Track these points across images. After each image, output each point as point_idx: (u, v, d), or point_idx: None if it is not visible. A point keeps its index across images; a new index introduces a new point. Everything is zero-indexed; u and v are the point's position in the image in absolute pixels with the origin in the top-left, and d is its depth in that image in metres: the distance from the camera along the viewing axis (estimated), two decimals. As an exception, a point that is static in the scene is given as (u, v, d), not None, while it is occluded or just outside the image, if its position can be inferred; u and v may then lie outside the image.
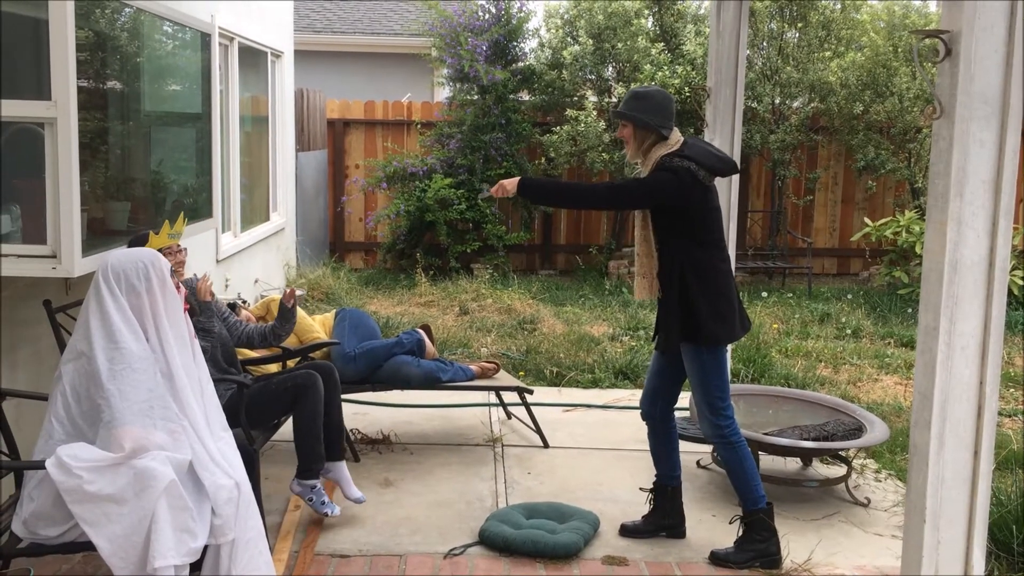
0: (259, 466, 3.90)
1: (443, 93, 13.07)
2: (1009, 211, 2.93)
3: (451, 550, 4.07)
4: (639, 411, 4.33)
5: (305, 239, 10.81)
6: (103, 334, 3.07)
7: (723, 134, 5.60)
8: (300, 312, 5.11)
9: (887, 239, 10.44)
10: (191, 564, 2.96)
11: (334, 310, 5.70)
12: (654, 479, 4.33)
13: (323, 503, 4.21)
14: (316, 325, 5.40)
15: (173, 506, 2.91)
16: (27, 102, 3.75)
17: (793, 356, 7.73)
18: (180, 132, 5.63)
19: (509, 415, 5.92)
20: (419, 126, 11.85)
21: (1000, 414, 6.12)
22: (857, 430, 4.81)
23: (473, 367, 5.42)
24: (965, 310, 2.96)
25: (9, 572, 3.19)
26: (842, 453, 4.94)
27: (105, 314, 3.09)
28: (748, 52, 10.96)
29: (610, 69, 11.47)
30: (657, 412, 4.25)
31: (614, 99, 11.23)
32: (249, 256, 8.34)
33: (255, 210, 8.88)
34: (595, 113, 10.89)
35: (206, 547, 3.01)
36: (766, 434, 4.73)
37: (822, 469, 5.11)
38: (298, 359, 4.99)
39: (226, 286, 7.37)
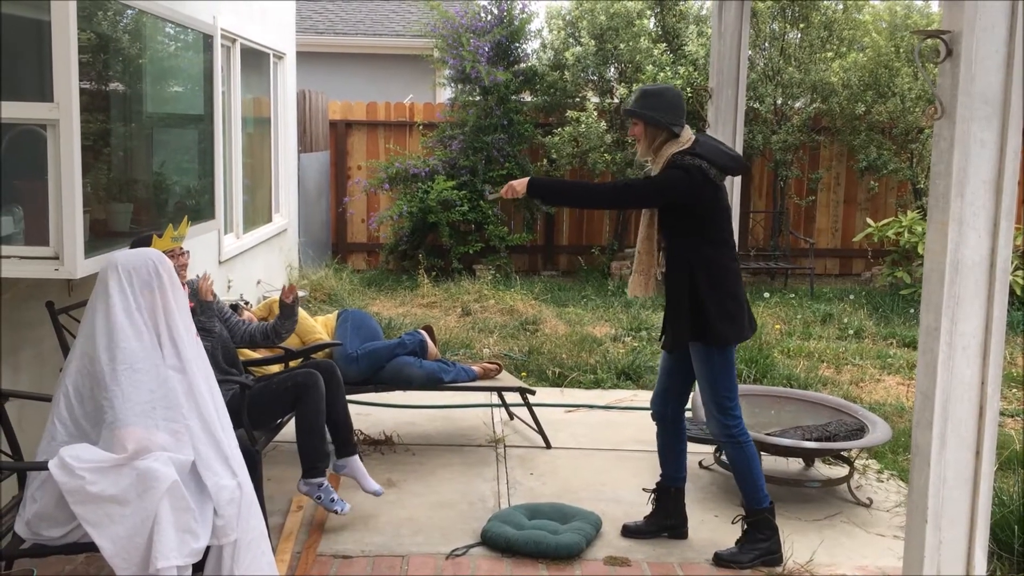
0: (261, 467, 3.90)
1: (445, 94, 13.08)
2: (1010, 211, 2.93)
3: (453, 551, 4.08)
4: (650, 411, 4.33)
5: (307, 240, 10.82)
6: (106, 334, 3.08)
7: (725, 135, 5.60)
8: (302, 313, 5.11)
9: (889, 239, 10.44)
10: (193, 565, 2.97)
11: (336, 311, 5.71)
12: (658, 479, 4.33)
13: (332, 500, 4.20)
14: (318, 326, 5.41)
15: (175, 507, 2.91)
16: (29, 104, 3.76)
17: (795, 356, 7.73)
18: (182, 133, 5.64)
19: (511, 416, 5.92)
20: (421, 127, 11.86)
21: (1002, 414, 6.12)
22: (859, 430, 4.81)
23: (475, 368, 5.42)
24: (966, 310, 2.96)
25: (12, 573, 3.20)
26: (844, 453, 4.94)
27: (110, 314, 3.10)
28: (750, 53, 10.96)
29: (612, 70, 11.48)
30: (669, 412, 4.25)
31: (616, 100, 11.24)
32: (251, 257, 8.34)
33: (257, 211, 8.89)
34: (595, 114, 10.89)
35: (208, 548, 3.02)
36: (768, 434, 4.73)
37: (824, 469, 5.10)
38: (300, 360, 4.99)
39: (228, 287, 7.38)
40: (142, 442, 2.96)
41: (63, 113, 3.71)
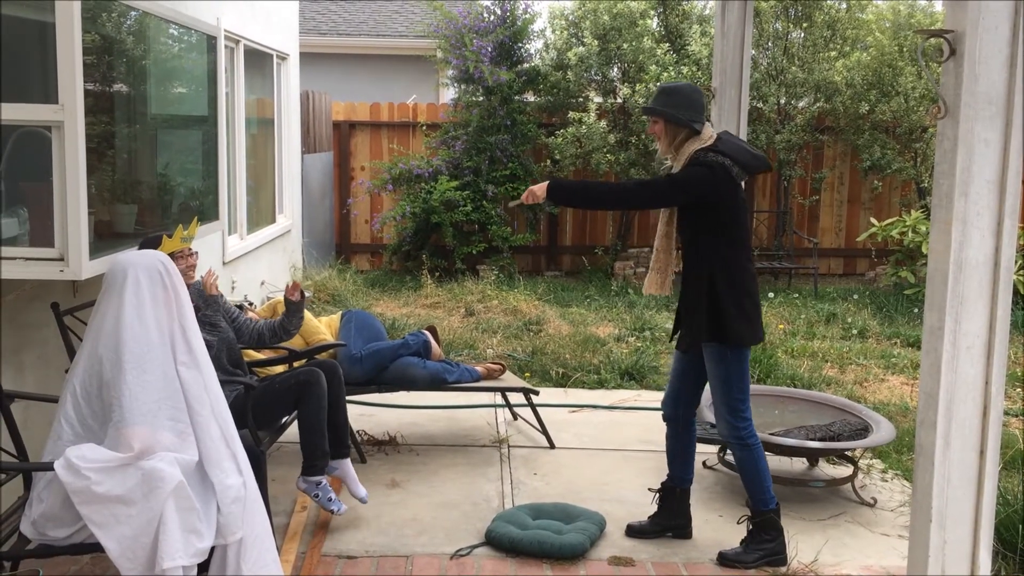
0: (266, 467, 3.91)
1: (448, 94, 13.09)
2: (1014, 211, 2.93)
3: (458, 551, 4.08)
4: (661, 412, 4.32)
5: (311, 241, 10.83)
6: (115, 334, 3.09)
7: (728, 134, 5.61)
8: (306, 314, 5.12)
9: (893, 239, 10.43)
10: (199, 564, 2.98)
11: (340, 312, 5.71)
12: (664, 480, 4.33)
13: (329, 499, 4.21)
14: (322, 327, 5.42)
15: (181, 507, 2.92)
16: (34, 106, 3.77)
17: (799, 356, 7.72)
18: (186, 135, 5.65)
19: (515, 416, 5.93)
20: (424, 128, 11.86)
21: (1006, 414, 6.11)
22: (863, 430, 4.81)
23: (479, 368, 5.43)
24: (970, 310, 2.96)
25: (18, 573, 3.21)
26: (848, 453, 4.94)
27: (119, 314, 3.11)
28: (753, 52, 10.96)
29: (615, 70, 11.48)
30: (680, 414, 4.23)
31: (619, 100, 11.24)
32: (255, 258, 8.35)
33: (261, 212, 8.90)
34: (595, 115, 10.88)
35: (213, 548, 3.03)
36: (772, 434, 4.73)
37: (828, 469, 5.10)
38: (304, 361, 5.00)
39: (232, 288, 7.39)
40: (147, 442, 2.97)
41: (68, 115, 3.72)
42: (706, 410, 4.94)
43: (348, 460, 4.42)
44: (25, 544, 3.14)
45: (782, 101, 11.35)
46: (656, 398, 6.45)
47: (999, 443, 3.06)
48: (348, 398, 4.58)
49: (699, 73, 10.60)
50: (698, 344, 3.99)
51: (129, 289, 3.14)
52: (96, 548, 2.99)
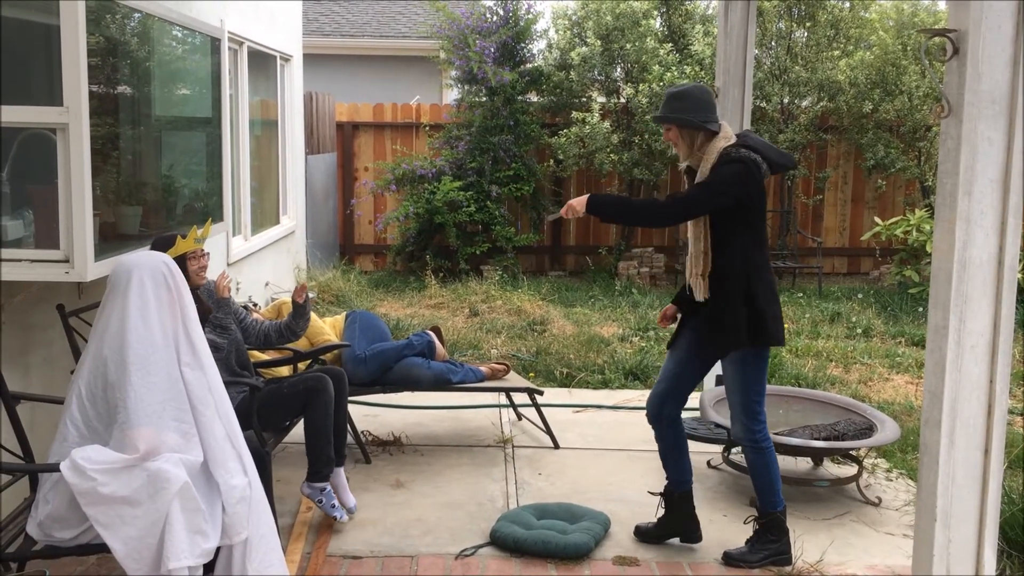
0: (271, 467, 3.92)
1: (452, 95, 13.09)
2: (1018, 209, 2.93)
3: (462, 551, 4.09)
4: (645, 413, 4.22)
5: (315, 242, 10.84)
6: (120, 336, 3.10)
7: (731, 134, 5.60)
8: (311, 314, 5.13)
9: (897, 238, 10.42)
10: (204, 565, 2.99)
11: (344, 312, 5.72)
12: (665, 484, 4.29)
13: (333, 506, 4.23)
14: (326, 327, 5.42)
15: (186, 508, 2.93)
16: (39, 108, 3.78)
17: (804, 356, 7.72)
18: (190, 136, 5.66)
19: (519, 416, 5.93)
20: (428, 128, 11.87)
21: (1010, 412, 6.10)
22: (868, 429, 4.80)
23: (483, 368, 5.43)
24: (974, 309, 2.96)
25: (25, 574, 3.22)
26: (853, 452, 4.94)
27: (124, 316, 3.12)
28: (756, 52, 10.96)
29: (618, 70, 11.48)
30: (665, 414, 4.12)
31: (623, 100, 11.24)
32: (259, 259, 8.37)
33: (265, 213, 8.91)
34: (599, 115, 10.88)
35: (219, 548, 3.04)
36: (777, 434, 4.72)
37: (833, 469, 5.10)
38: (309, 361, 5.01)
39: (237, 289, 7.40)
40: (153, 443, 2.98)
41: (73, 117, 3.73)
42: (710, 410, 4.95)
43: (341, 469, 4.43)
44: (31, 545, 3.15)
45: (786, 100, 11.34)
46: (660, 398, 6.46)
47: (1003, 442, 3.06)
48: (352, 398, 4.59)
49: (702, 73, 10.59)
50: (739, 347, 3.87)
51: (133, 291, 3.15)
52: (102, 549, 3.00)
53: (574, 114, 11.00)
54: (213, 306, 4.19)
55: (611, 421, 6.00)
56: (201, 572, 2.98)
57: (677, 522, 4.18)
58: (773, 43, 11.45)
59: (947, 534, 3.05)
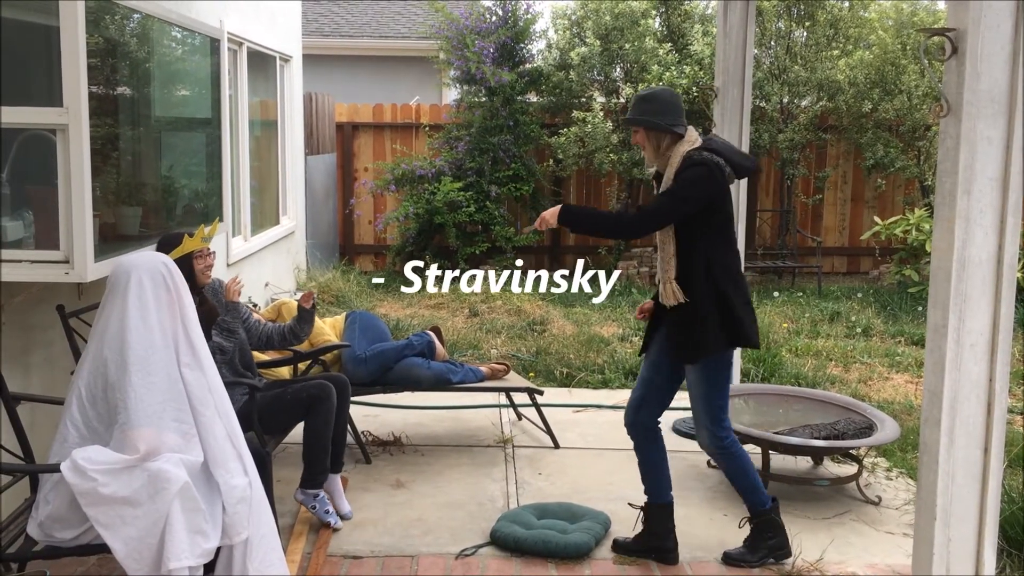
0: (271, 468, 3.92)
1: (451, 95, 13.10)
2: (1017, 208, 2.93)
3: (463, 551, 4.09)
4: (624, 423, 4.11)
5: (315, 242, 10.84)
6: (120, 336, 3.10)
7: (731, 134, 5.61)
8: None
9: (897, 237, 10.42)
10: (205, 565, 2.99)
11: (344, 313, 5.72)
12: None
13: (327, 511, 4.24)
14: (327, 328, 5.42)
15: (186, 508, 2.93)
16: (39, 109, 3.78)
17: (803, 355, 7.72)
18: (190, 137, 5.66)
19: (519, 416, 5.93)
20: (427, 128, 11.87)
21: (1010, 411, 6.11)
22: (868, 429, 4.81)
23: (483, 368, 5.43)
24: (974, 308, 2.96)
25: (26, 574, 3.22)
26: (853, 452, 4.94)
27: (123, 316, 3.12)
28: (756, 51, 10.97)
29: (618, 70, 11.49)
30: (640, 421, 4.05)
31: (622, 100, 11.24)
32: (259, 260, 8.37)
33: (265, 214, 8.92)
34: (602, 114, 10.90)
35: (219, 548, 3.04)
36: (777, 433, 4.73)
37: (833, 468, 5.10)
38: (309, 361, 5.02)
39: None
40: (153, 443, 2.98)
41: (72, 118, 3.73)
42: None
43: (337, 476, 4.44)
44: (32, 546, 3.15)
45: (785, 100, 11.35)
46: (660, 397, 6.46)
47: (1003, 441, 3.06)
48: (353, 399, 4.59)
49: (701, 73, 10.60)
50: (714, 352, 3.83)
51: (133, 291, 3.15)
52: (103, 549, 3.00)
53: (575, 113, 11.01)
54: (220, 307, 4.19)
55: (611, 421, 6.00)
56: (201, 572, 2.98)
57: (654, 538, 4.05)
58: (772, 43, 11.45)
59: (947, 533, 3.06)
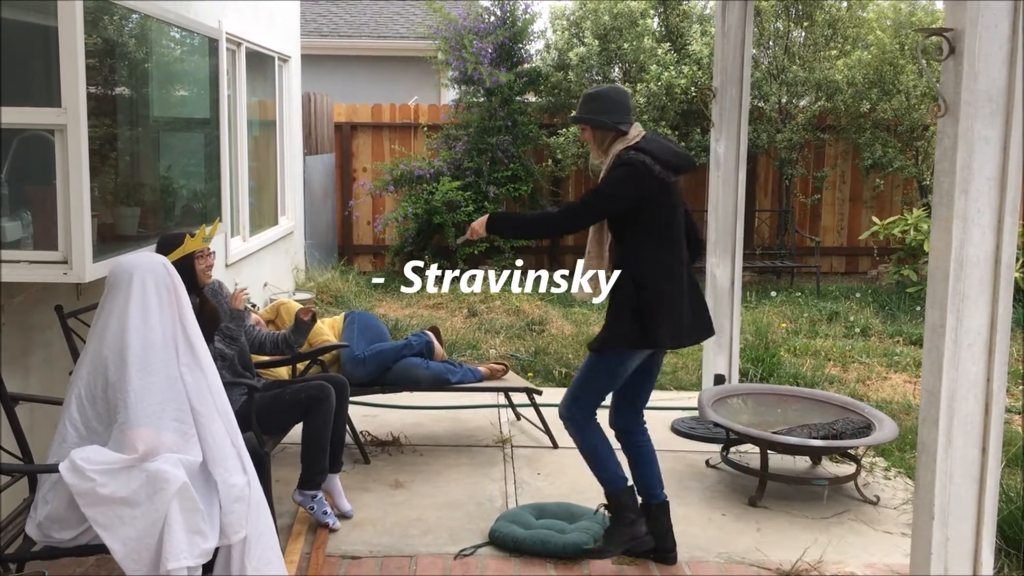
0: (270, 468, 3.92)
1: (450, 95, 13.11)
2: (1015, 208, 2.94)
3: (461, 551, 4.09)
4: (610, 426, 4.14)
5: (314, 243, 10.84)
6: (119, 336, 3.10)
7: (729, 134, 5.62)
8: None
9: (895, 237, 10.43)
10: (203, 565, 2.99)
11: (343, 313, 5.72)
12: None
13: (325, 513, 4.24)
14: (325, 328, 5.43)
15: (185, 508, 2.93)
16: (37, 109, 3.78)
17: (802, 355, 7.73)
18: (189, 137, 5.67)
19: (518, 416, 5.94)
20: (426, 129, 11.87)
21: (1008, 411, 6.12)
22: (866, 428, 4.81)
23: (482, 368, 5.43)
24: (971, 307, 2.97)
25: (24, 574, 3.22)
26: (851, 451, 4.94)
27: (123, 316, 3.12)
28: (754, 51, 10.97)
29: (616, 70, 11.49)
30: (620, 426, 4.09)
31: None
32: (258, 260, 8.37)
33: (264, 214, 8.92)
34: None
35: (218, 548, 3.04)
36: (775, 433, 4.73)
37: (831, 467, 5.11)
38: (308, 362, 5.02)
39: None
40: (152, 443, 2.98)
41: (71, 118, 3.73)
42: (708, 409, 4.95)
43: (337, 476, 4.44)
44: (31, 546, 3.15)
45: (783, 100, 11.35)
46: (659, 398, 6.45)
47: (1001, 440, 3.07)
48: (351, 399, 4.59)
49: (700, 72, 10.61)
50: (619, 346, 3.84)
51: (135, 291, 3.15)
52: (101, 549, 3.00)
53: (573, 114, 11.00)
54: (220, 308, 4.20)
55: (610, 421, 6.00)
56: (200, 572, 2.98)
57: (653, 537, 4.03)
58: (771, 43, 11.46)
59: (945, 532, 3.06)
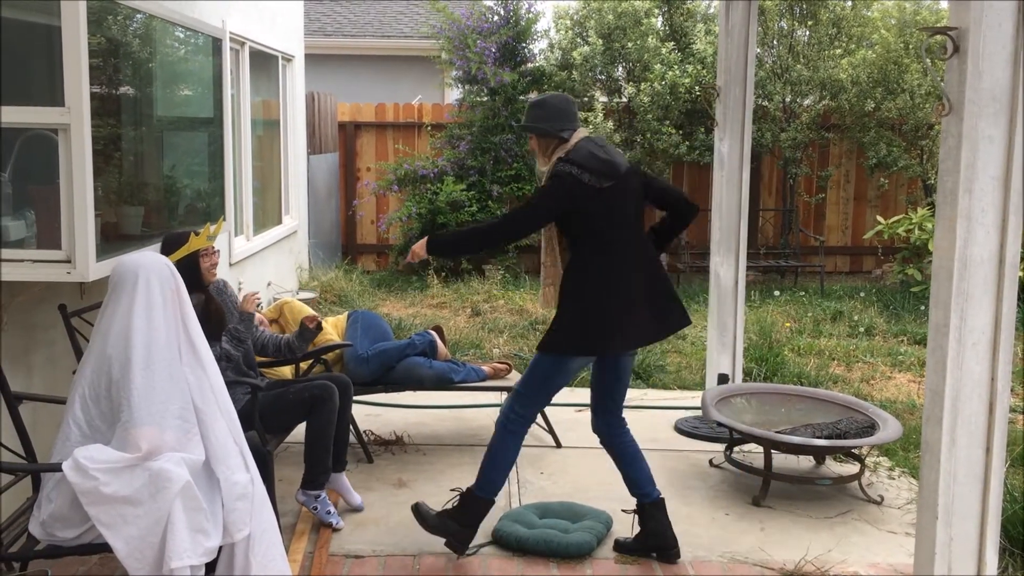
0: (273, 467, 3.92)
1: (453, 95, 13.10)
2: (1019, 207, 2.93)
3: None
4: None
5: (317, 242, 10.85)
6: (123, 335, 3.11)
7: (733, 133, 5.61)
8: (309, 310, 5.15)
9: (900, 236, 10.41)
10: (207, 564, 2.99)
11: (346, 312, 5.73)
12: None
13: (328, 512, 4.24)
14: (329, 327, 5.43)
15: (188, 507, 2.94)
16: (41, 108, 3.79)
17: (806, 354, 7.72)
18: (192, 137, 5.67)
19: (521, 415, 5.92)
20: (430, 128, 11.88)
21: (1012, 410, 6.10)
22: (870, 428, 4.80)
23: (485, 368, 5.43)
24: (975, 307, 2.96)
25: (27, 573, 3.22)
26: (855, 451, 4.93)
27: (128, 315, 3.12)
28: (758, 50, 10.96)
29: (620, 69, 11.48)
30: (602, 426, 4.12)
31: (624, 99, 11.24)
32: (262, 259, 8.38)
33: (267, 213, 8.93)
34: (602, 114, 10.89)
35: (220, 547, 3.04)
36: (779, 432, 4.73)
37: (835, 467, 5.10)
38: (311, 361, 5.01)
39: (239, 289, 7.41)
40: (155, 442, 2.99)
41: (74, 117, 3.73)
42: (712, 408, 4.95)
43: (343, 474, 4.44)
44: (34, 545, 3.15)
45: (787, 99, 11.34)
46: (663, 397, 6.46)
47: (1005, 440, 3.06)
48: (355, 398, 4.59)
49: (704, 71, 10.60)
50: (550, 349, 3.89)
51: (140, 291, 3.16)
52: (104, 548, 3.00)
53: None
54: (226, 309, 4.20)
55: (613, 420, 5.99)
56: (203, 571, 2.99)
57: (651, 537, 4.04)
58: (775, 42, 11.45)
59: (949, 532, 3.05)
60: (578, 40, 11.50)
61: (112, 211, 4.34)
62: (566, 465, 5.17)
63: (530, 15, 11.38)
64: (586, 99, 11.31)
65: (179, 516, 2.91)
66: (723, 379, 5.76)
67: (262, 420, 4.05)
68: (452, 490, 4.15)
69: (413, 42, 15.12)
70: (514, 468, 5.08)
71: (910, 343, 8.26)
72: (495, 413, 6.04)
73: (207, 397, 3.17)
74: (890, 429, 4.72)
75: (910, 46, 10.79)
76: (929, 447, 3.07)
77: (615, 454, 4.13)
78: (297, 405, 4.20)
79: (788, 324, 8.80)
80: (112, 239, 4.27)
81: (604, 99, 11.47)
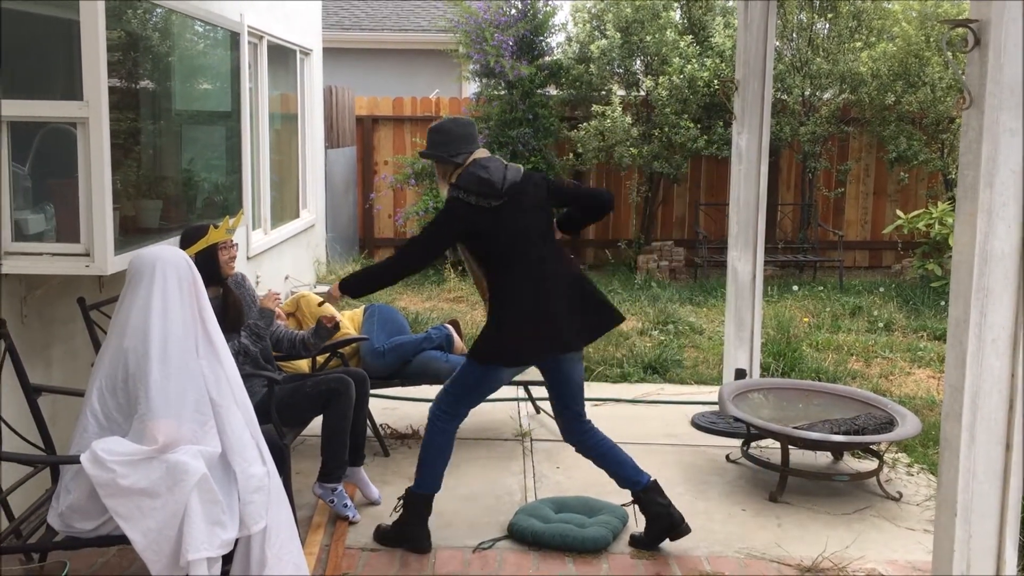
0: (290, 460, 3.94)
1: (471, 88, 13.09)
2: (1040, 202, 2.90)
3: (480, 544, 4.09)
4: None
5: (335, 236, 10.87)
6: (141, 328, 3.12)
7: (752, 127, 5.58)
8: (330, 308, 5.15)
9: (920, 231, 10.33)
10: (223, 556, 3.01)
11: (363, 306, 5.74)
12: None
13: (345, 505, 4.26)
14: (345, 321, 5.44)
15: (204, 500, 2.95)
16: (60, 102, 3.81)
17: (824, 350, 7.68)
18: (211, 130, 5.69)
19: (538, 409, 5.92)
20: (447, 122, 11.84)
21: (1035, 407, 6.03)
22: (888, 424, 4.77)
23: (501, 362, 5.42)
24: (995, 302, 2.93)
25: (46, 565, 3.25)
26: (873, 447, 4.90)
27: (147, 308, 3.14)
28: (777, 43, 10.89)
29: (638, 62, 11.43)
30: (567, 428, 4.21)
31: (642, 93, 11.20)
32: (279, 253, 8.40)
33: (285, 207, 8.95)
34: (620, 108, 10.86)
35: (237, 540, 3.05)
36: (796, 428, 4.71)
37: (853, 463, 5.07)
38: (327, 355, 5.03)
39: (257, 283, 7.44)
40: (172, 435, 3.00)
41: (93, 111, 3.75)
42: (729, 404, 4.93)
43: (361, 468, 4.45)
44: (52, 536, 3.18)
45: (807, 93, 11.26)
46: (680, 392, 6.44)
47: (1025, 437, 3.03)
48: (371, 392, 4.60)
49: (723, 65, 10.54)
50: (473, 356, 4.00)
51: (157, 284, 3.17)
52: (122, 540, 3.02)
53: (594, 107, 10.97)
54: (244, 302, 4.22)
55: (630, 415, 5.98)
56: (220, 563, 3.00)
57: (657, 521, 4.04)
58: (794, 35, 11.37)
59: (967, 530, 3.03)
60: (596, 33, 11.46)
61: (130, 205, 4.37)
62: (582, 460, 5.12)
63: (548, 8, 11.35)
64: (603, 93, 11.28)
65: (196, 508, 2.93)
66: (740, 374, 5.74)
67: (279, 413, 4.07)
68: (399, 499, 4.16)
69: (430, 36, 15.12)
70: (530, 462, 5.09)
71: (930, 339, 8.20)
72: (511, 407, 6.07)
73: (223, 390, 3.18)
74: (909, 425, 4.69)
75: (931, 39, 10.69)
76: (948, 443, 3.04)
77: (592, 456, 4.19)
78: (313, 398, 4.22)
79: (806, 319, 8.75)
80: (130, 232, 4.29)
81: (622, 93, 11.42)
